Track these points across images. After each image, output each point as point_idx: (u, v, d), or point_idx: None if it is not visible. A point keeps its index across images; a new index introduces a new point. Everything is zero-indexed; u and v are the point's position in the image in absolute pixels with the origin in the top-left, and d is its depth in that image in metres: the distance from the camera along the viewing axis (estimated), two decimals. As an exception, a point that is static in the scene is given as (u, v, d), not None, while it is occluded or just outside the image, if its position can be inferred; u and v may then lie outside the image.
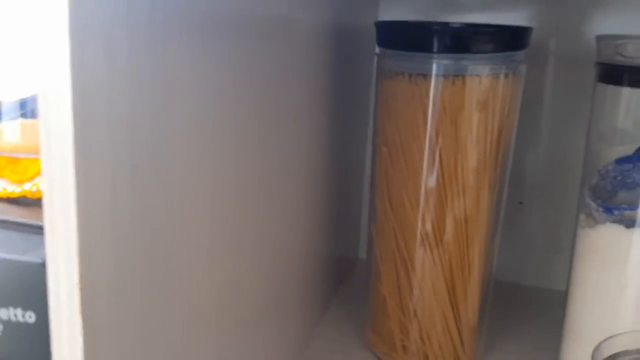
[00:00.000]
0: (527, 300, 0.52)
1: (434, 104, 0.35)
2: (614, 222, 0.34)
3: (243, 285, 0.30)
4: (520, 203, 0.54)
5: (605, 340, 0.27)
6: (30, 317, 0.20)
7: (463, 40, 0.34)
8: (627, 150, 0.35)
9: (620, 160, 0.35)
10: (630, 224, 0.34)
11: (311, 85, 0.38)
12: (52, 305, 0.17)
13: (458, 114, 0.35)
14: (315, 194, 0.42)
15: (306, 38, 0.36)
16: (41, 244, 0.21)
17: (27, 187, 0.27)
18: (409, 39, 0.36)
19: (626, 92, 0.35)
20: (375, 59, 0.39)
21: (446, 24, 0.36)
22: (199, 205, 0.24)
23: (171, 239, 0.22)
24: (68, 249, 0.17)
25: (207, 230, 0.25)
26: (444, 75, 0.35)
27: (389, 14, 0.54)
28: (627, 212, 0.34)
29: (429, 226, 0.38)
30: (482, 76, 0.35)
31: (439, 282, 0.39)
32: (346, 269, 0.56)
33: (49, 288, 0.17)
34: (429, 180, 0.37)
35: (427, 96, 0.35)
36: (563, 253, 0.53)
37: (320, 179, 0.43)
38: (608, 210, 0.35)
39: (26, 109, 0.32)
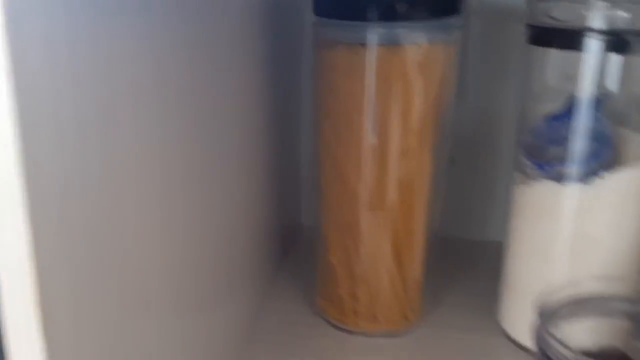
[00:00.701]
0: (464, 253, 0.54)
1: (374, 73, 0.35)
2: (547, 178, 0.36)
3: (194, 268, 0.30)
4: (453, 160, 0.56)
5: (544, 293, 0.29)
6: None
7: (401, 8, 0.34)
8: (557, 108, 0.37)
9: (550, 118, 0.37)
10: (562, 179, 0.35)
11: (246, 60, 0.37)
12: (9, 328, 0.16)
13: (398, 82, 0.35)
14: (257, 165, 0.42)
15: (240, 12, 0.35)
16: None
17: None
18: (347, 7, 0.35)
19: (555, 53, 0.36)
20: (312, 28, 0.38)
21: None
22: (148, 196, 0.23)
23: (123, 233, 0.21)
24: (21, 262, 0.15)
25: (157, 219, 0.24)
26: (382, 44, 0.35)
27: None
28: (558, 168, 0.36)
29: (374, 192, 0.39)
30: (420, 43, 0.35)
31: (386, 245, 0.40)
32: (291, 237, 0.56)
33: (2, 308, 0.16)
34: (372, 148, 0.37)
35: (367, 65, 0.35)
36: (495, 206, 0.56)
37: (258, 149, 0.42)
38: (541, 167, 0.37)
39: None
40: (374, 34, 0.34)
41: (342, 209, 0.40)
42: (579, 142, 0.35)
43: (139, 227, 0.23)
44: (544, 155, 0.38)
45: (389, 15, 0.34)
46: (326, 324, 0.43)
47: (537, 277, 0.37)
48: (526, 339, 0.37)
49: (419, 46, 0.35)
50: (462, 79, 0.52)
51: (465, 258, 0.53)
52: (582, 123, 0.35)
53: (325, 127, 0.38)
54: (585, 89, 0.35)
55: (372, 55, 0.35)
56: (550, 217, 0.36)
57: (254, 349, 0.40)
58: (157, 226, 0.25)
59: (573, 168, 0.35)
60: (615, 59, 0.34)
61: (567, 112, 0.36)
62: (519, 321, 0.39)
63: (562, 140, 0.37)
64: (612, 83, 0.35)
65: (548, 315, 0.31)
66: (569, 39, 0.35)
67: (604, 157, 0.35)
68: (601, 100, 0.35)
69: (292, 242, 0.56)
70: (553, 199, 0.36)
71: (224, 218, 0.35)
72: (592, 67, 0.34)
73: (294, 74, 0.52)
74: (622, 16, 0.33)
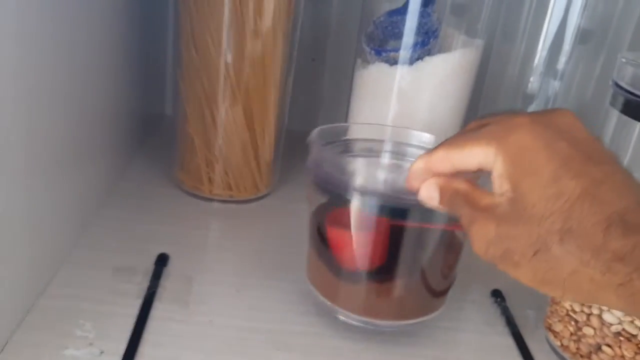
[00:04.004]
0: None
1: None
2: (381, 61, 0.42)
3: (49, 137, 0.32)
4: (313, 60, 0.60)
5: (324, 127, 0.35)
6: None
7: None
8: (398, 4, 0.42)
9: (391, 13, 0.42)
10: (393, 62, 0.41)
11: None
12: None
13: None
14: (119, 55, 0.44)
15: None
16: None
17: None
18: None
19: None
20: None
21: None
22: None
23: None
24: None
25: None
26: None
27: None
28: (392, 54, 0.42)
29: (230, 67, 0.42)
30: None
31: (240, 121, 0.44)
32: (153, 124, 0.58)
33: None
34: (230, 23, 0.40)
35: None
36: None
37: (122, 39, 0.44)
38: (378, 52, 0.42)
39: None
40: None
41: (201, 81, 0.42)
42: (410, 32, 0.41)
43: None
44: (383, 45, 0.43)
45: None
46: (184, 194, 0.47)
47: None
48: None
49: None
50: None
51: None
52: (414, 17, 0.41)
53: (186, 1, 0.40)
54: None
55: None
56: (383, 94, 0.42)
57: (112, 213, 0.43)
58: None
59: (403, 53, 0.41)
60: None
61: (404, 8, 0.42)
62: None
63: (400, 34, 0.42)
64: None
65: (323, 137, 0.36)
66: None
67: (429, 45, 0.41)
68: (430, 2, 0.41)
69: (154, 128, 0.58)
70: (385, 78, 0.42)
71: (88, 101, 0.38)
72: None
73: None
74: None
